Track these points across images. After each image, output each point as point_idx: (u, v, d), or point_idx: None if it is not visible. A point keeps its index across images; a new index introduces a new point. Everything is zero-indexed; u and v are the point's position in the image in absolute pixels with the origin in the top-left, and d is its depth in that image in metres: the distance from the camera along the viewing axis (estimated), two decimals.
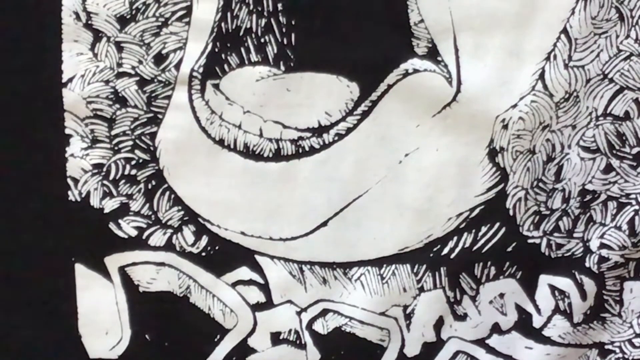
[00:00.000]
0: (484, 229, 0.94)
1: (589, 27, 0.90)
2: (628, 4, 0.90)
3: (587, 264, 0.95)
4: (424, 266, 0.95)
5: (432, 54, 0.91)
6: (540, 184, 0.93)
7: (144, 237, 0.95)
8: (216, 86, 0.92)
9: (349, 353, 0.98)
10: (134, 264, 0.96)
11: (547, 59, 0.90)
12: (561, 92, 0.91)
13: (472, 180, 0.93)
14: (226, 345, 0.98)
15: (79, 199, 0.94)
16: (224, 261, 0.96)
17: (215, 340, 0.98)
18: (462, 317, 0.97)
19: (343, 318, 0.97)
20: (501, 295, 0.96)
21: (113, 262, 0.96)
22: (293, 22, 0.91)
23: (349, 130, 0.92)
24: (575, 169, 0.93)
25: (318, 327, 0.98)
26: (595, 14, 0.90)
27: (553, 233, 0.94)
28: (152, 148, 0.93)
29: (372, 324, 0.97)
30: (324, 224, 0.94)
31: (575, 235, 0.94)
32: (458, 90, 0.91)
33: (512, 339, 0.98)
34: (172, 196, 0.94)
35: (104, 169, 0.94)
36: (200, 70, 0.92)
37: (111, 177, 0.94)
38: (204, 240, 0.95)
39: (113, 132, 0.93)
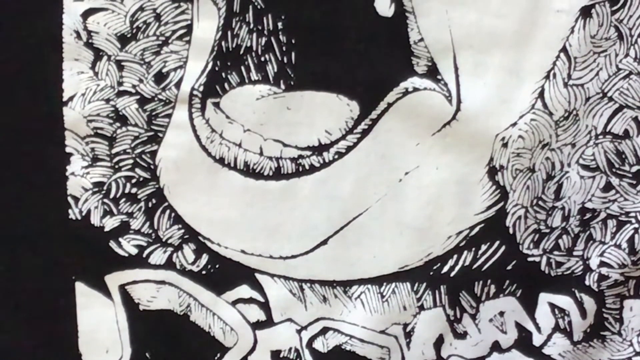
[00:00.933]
0: (483, 247, 0.92)
1: (588, 46, 0.89)
2: (627, 22, 0.88)
3: (587, 282, 0.93)
4: (424, 284, 0.93)
5: (432, 72, 0.89)
6: (540, 202, 0.91)
7: (144, 255, 0.93)
8: (216, 105, 0.91)
9: None
10: (134, 282, 0.94)
11: (547, 77, 0.89)
12: (561, 111, 0.89)
13: (472, 199, 0.91)
14: None
15: (79, 218, 0.92)
16: (224, 279, 0.94)
17: (216, 358, 0.96)
18: (462, 336, 0.95)
19: (343, 336, 0.95)
20: (501, 314, 0.94)
21: (113, 280, 0.94)
22: (293, 41, 0.90)
23: (349, 149, 0.91)
24: (575, 187, 0.91)
25: (318, 345, 0.95)
26: (595, 33, 0.88)
27: (553, 251, 0.92)
28: (152, 166, 0.92)
29: (372, 342, 0.95)
30: (324, 242, 0.92)
31: (575, 253, 0.92)
32: (458, 109, 0.89)
33: (512, 357, 0.96)
34: (173, 214, 0.92)
35: (105, 188, 0.92)
36: (201, 88, 0.90)
37: (112, 196, 0.92)
38: (204, 259, 0.93)
39: (113, 151, 0.91)
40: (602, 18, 0.88)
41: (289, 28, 0.89)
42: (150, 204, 0.92)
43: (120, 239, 0.93)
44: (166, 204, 0.92)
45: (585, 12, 0.88)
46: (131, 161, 0.92)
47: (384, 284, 0.93)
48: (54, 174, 0.91)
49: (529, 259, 0.92)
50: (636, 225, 0.91)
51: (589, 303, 0.93)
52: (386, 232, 0.92)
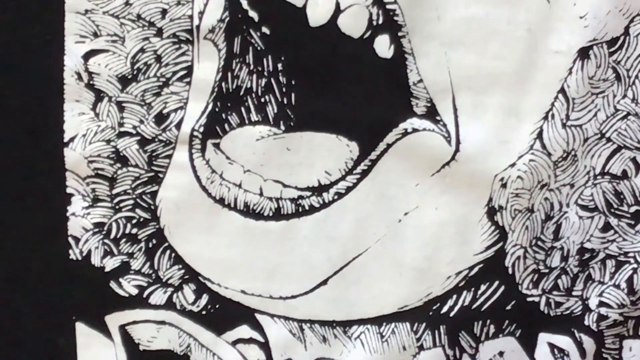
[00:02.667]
0: (483, 287, 0.90)
1: (586, 87, 0.86)
2: (625, 64, 0.86)
3: (586, 322, 0.90)
4: (424, 324, 0.91)
5: (431, 113, 0.87)
6: (539, 243, 0.89)
7: (144, 295, 0.91)
8: (217, 145, 0.88)
9: None
10: (134, 322, 0.91)
11: (545, 118, 0.87)
12: (559, 151, 0.87)
13: (471, 239, 0.89)
14: None
15: (79, 258, 0.90)
16: (224, 320, 0.92)
17: None
18: None
19: None
20: (501, 354, 0.91)
21: (114, 320, 0.91)
22: (293, 82, 0.88)
23: (349, 189, 0.88)
24: (574, 227, 0.89)
25: None
26: (593, 74, 0.86)
27: (552, 291, 0.90)
28: (153, 207, 0.89)
29: None
30: (324, 282, 0.90)
31: (574, 293, 0.90)
32: (457, 150, 0.87)
33: None
34: (173, 255, 0.90)
35: (105, 228, 0.90)
36: (201, 129, 0.88)
37: (112, 236, 0.90)
38: (205, 299, 0.91)
39: (114, 191, 0.89)
40: (600, 59, 0.86)
41: (288, 69, 0.88)
42: (150, 245, 0.90)
43: (120, 279, 0.90)
44: (166, 244, 0.90)
45: (583, 54, 0.86)
46: (132, 202, 0.90)
47: (384, 324, 0.91)
48: (55, 214, 0.90)
49: (528, 299, 0.90)
50: (635, 266, 0.89)
51: (589, 343, 0.91)
52: (386, 272, 0.90)
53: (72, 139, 0.88)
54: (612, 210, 0.88)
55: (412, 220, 0.89)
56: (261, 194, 0.88)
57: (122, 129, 0.88)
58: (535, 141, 0.87)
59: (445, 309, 0.90)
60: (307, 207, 0.88)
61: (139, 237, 0.90)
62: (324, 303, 0.90)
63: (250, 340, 0.92)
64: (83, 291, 0.90)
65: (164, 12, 0.86)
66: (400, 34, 0.85)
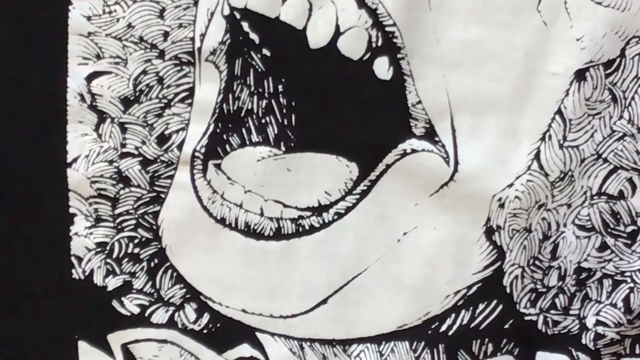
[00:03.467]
0: (481, 306, 0.89)
1: (583, 108, 0.85)
2: (621, 85, 0.85)
3: (583, 341, 0.89)
4: (423, 343, 0.90)
5: (430, 134, 0.86)
6: (537, 262, 0.88)
7: (146, 314, 0.90)
8: (218, 166, 0.88)
9: None
10: (136, 341, 0.91)
11: (542, 139, 0.86)
12: (556, 172, 0.86)
13: (469, 259, 0.88)
14: None
15: (82, 277, 0.89)
16: (225, 338, 0.91)
17: None
18: None
19: None
20: None
21: (116, 339, 0.91)
22: (293, 104, 0.87)
23: (349, 210, 0.88)
24: (571, 247, 0.88)
25: None
26: (589, 96, 0.85)
27: (549, 310, 0.89)
28: (154, 227, 0.89)
29: None
30: (324, 301, 0.89)
31: (571, 312, 0.89)
32: (455, 170, 0.86)
33: None
34: (175, 274, 0.90)
35: (108, 248, 0.89)
36: (202, 150, 0.88)
37: (114, 256, 0.89)
38: (206, 318, 0.90)
39: (116, 211, 0.89)
40: (596, 81, 0.85)
41: (289, 91, 0.87)
42: (152, 264, 0.90)
43: (122, 299, 0.90)
44: (168, 263, 0.90)
45: (580, 76, 0.85)
46: (134, 222, 0.89)
47: (383, 342, 0.91)
48: (58, 234, 0.89)
49: (526, 318, 0.89)
50: (631, 285, 0.88)
51: None
52: (385, 291, 0.89)
53: (75, 160, 0.87)
54: (609, 230, 0.87)
55: (411, 240, 0.88)
56: (262, 214, 0.87)
57: (124, 150, 0.88)
58: (533, 162, 0.86)
59: (443, 327, 0.89)
60: (307, 227, 0.88)
61: (141, 256, 0.89)
62: (324, 322, 0.89)
63: (251, 359, 0.91)
64: (85, 310, 0.90)
65: (165, 35, 0.86)
66: (399, 56, 0.85)
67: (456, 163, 0.86)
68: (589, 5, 0.84)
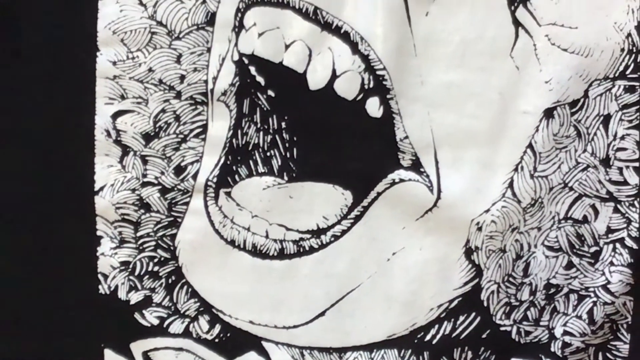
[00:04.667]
0: (461, 318, 0.89)
1: (551, 143, 0.86)
2: (584, 122, 0.86)
3: (552, 349, 0.89)
4: (410, 351, 0.90)
5: (416, 165, 0.87)
6: (511, 279, 0.88)
7: (164, 325, 0.90)
8: (228, 194, 0.88)
9: None
10: (155, 349, 0.91)
11: (516, 170, 0.86)
12: (528, 199, 0.87)
13: (451, 276, 0.88)
14: None
15: (108, 292, 0.89)
16: (234, 346, 0.91)
17: None
18: None
19: None
20: None
21: (138, 347, 0.91)
22: (295, 139, 0.88)
23: (344, 232, 0.88)
24: (541, 265, 0.88)
25: None
26: (557, 131, 0.86)
27: (522, 322, 0.89)
28: (172, 248, 0.89)
29: None
30: (322, 314, 0.89)
31: (541, 323, 0.89)
32: (438, 197, 0.87)
33: None
34: (190, 290, 0.89)
35: (130, 266, 0.89)
36: (215, 180, 0.88)
37: (136, 273, 0.89)
38: (217, 328, 0.90)
39: (138, 234, 0.89)
40: (563, 119, 0.86)
41: (291, 127, 0.88)
42: (170, 281, 0.90)
43: (143, 311, 0.90)
44: (184, 280, 0.89)
45: (548, 114, 0.85)
46: (154, 243, 0.89)
47: (374, 350, 0.90)
48: (86, 254, 0.89)
49: (501, 329, 0.89)
50: (594, 299, 0.88)
51: None
52: (376, 305, 0.89)
53: (101, 188, 0.87)
54: (575, 250, 0.87)
55: (399, 259, 0.88)
56: (267, 237, 0.87)
57: (145, 180, 0.88)
58: (507, 190, 0.86)
59: (428, 337, 0.89)
60: (307, 248, 0.87)
61: (160, 274, 0.89)
62: (322, 332, 0.89)
63: None
64: (111, 321, 0.90)
65: (182, 78, 0.86)
66: (388, 96, 0.85)
67: (439, 191, 0.86)
68: (556, 52, 0.85)
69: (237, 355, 0.91)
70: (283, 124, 0.88)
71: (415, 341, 0.89)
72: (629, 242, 0.87)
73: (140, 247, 0.89)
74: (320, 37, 0.85)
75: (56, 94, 0.87)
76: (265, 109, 0.87)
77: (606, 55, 0.85)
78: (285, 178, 0.88)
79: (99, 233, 0.89)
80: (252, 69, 0.87)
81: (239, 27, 0.86)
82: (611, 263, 0.88)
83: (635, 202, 0.87)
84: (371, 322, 0.89)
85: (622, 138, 0.86)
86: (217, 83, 0.87)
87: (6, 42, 0.87)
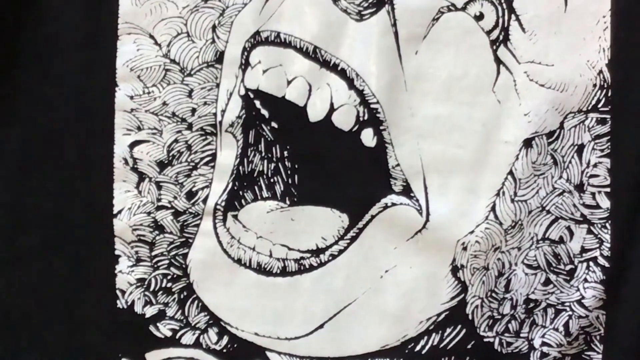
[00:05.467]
0: (448, 330, 0.89)
1: (530, 170, 0.87)
2: (560, 151, 0.88)
3: (531, 359, 0.90)
4: None
5: (406, 191, 0.88)
6: (493, 294, 0.89)
7: (177, 337, 0.90)
8: (235, 217, 0.89)
9: None
10: (169, 358, 0.91)
11: (498, 194, 0.88)
12: (509, 221, 0.88)
13: (439, 291, 0.89)
14: None
15: (125, 307, 0.90)
16: (241, 356, 0.91)
17: None
18: None
19: None
20: None
21: (152, 357, 0.91)
22: (296, 166, 0.89)
23: (341, 252, 0.89)
24: (521, 282, 0.89)
25: None
26: (535, 160, 0.87)
27: (504, 333, 0.90)
28: (184, 266, 0.90)
29: None
30: (321, 326, 0.90)
31: (521, 335, 0.90)
32: (427, 220, 0.88)
33: None
34: (200, 304, 0.90)
35: (146, 283, 0.90)
36: (223, 204, 0.89)
37: (151, 289, 0.90)
38: (225, 339, 0.90)
39: (153, 253, 0.90)
40: (540, 148, 0.87)
41: (293, 156, 0.89)
42: (182, 296, 0.90)
43: (158, 324, 0.90)
44: (195, 295, 0.90)
45: (527, 143, 0.87)
46: (167, 262, 0.89)
47: (369, 359, 0.90)
48: (106, 271, 0.90)
49: (485, 340, 0.90)
50: (570, 313, 0.89)
51: None
52: (370, 318, 0.89)
53: (120, 211, 0.88)
54: (552, 268, 0.88)
55: (391, 276, 0.88)
56: (271, 256, 0.88)
57: (159, 204, 0.88)
58: (490, 213, 0.87)
59: (418, 347, 0.89)
60: (307, 266, 0.88)
61: (173, 290, 0.89)
62: (321, 343, 0.89)
63: None
64: (128, 333, 0.90)
65: (193, 111, 0.88)
66: (381, 127, 0.86)
67: (428, 214, 0.87)
68: (534, 87, 0.86)
69: None
70: (285, 153, 0.88)
71: (406, 351, 0.89)
72: (601, 261, 0.88)
73: (155, 265, 0.89)
74: (319, 73, 0.86)
75: (79, 126, 0.88)
76: (269, 139, 0.89)
77: (580, 90, 0.86)
78: (287, 202, 0.89)
79: (117, 252, 0.89)
80: (257, 103, 0.88)
81: (245, 65, 0.87)
82: (585, 280, 0.88)
83: (607, 224, 0.88)
84: (366, 334, 0.89)
85: (595, 166, 0.87)
86: (225, 115, 0.88)
87: (35, 80, 0.88)
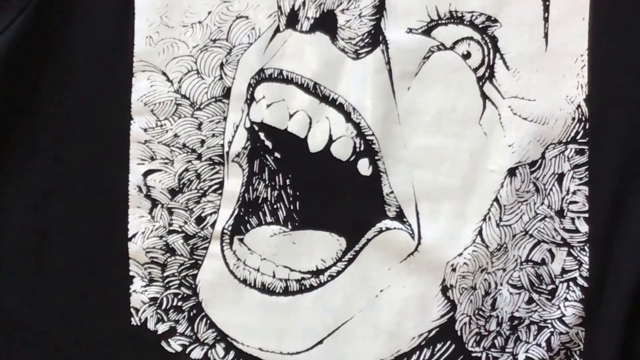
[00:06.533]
0: (439, 346, 0.90)
1: (514, 197, 0.88)
2: (542, 180, 0.88)
3: None
4: None
5: (400, 216, 0.88)
6: (480, 312, 0.90)
7: (187, 352, 0.91)
8: (241, 240, 0.90)
9: None
10: None
11: (484, 220, 0.88)
12: (494, 244, 0.89)
13: (430, 309, 0.89)
14: None
15: (139, 324, 0.91)
16: None
17: None
18: None
19: None
20: None
21: None
22: (297, 194, 0.90)
23: (339, 273, 0.89)
24: (506, 300, 0.89)
25: None
26: (519, 187, 0.88)
27: (490, 349, 0.90)
28: (193, 286, 0.90)
29: None
30: (321, 342, 0.90)
31: (507, 350, 0.90)
32: (419, 243, 0.88)
33: None
34: (208, 321, 0.90)
35: (158, 301, 0.91)
36: (230, 228, 0.90)
37: (163, 307, 0.91)
38: (232, 354, 0.91)
39: (165, 274, 0.91)
40: (524, 176, 0.88)
41: (294, 184, 0.89)
42: (192, 314, 0.90)
43: (169, 340, 0.91)
44: (204, 313, 0.90)
45: (512, 172, 0.88)
46: (178, 282, 0.90)
47: None
48: (121, 291, 0.90)
49: (473, 355, 0.90)
50: (552, 329, 0.89)
51: None
52: (366, 334, 0.89)
53: (134, 235, 0.89)
54: (534, 288, 0.88)
55: (385, 295, 0.89)
56: (274, 276, 0.89)
57: (171, 228, 0.90)
58: (477, 237, 0.88)
59: None
60: (308, 286, 0.89)
61: (183, 308, 0.90)
62: (320, 357, 0.90)
63: None
64: (141, 348, 0.90)
65: (202, 142, 0.89)
66: (376, 157, 0.87)
67: (419, 238, 0.88)
68: (518, 121, 0.87)
69: None
70: (287, 181, 0.89)
71: None
72: (580, 281, 0.88)
73: (167, 285, 0.90)
74: (319, 108, 0.87)
75: (96, 156, 0.89)
76: (272, 168, 0.90)
77: (560, 123, 0.87)
78: (290, 227, 0.89)
79: (131, 273, 0.90)
80: (262, 135, 0.89)
81: (250, 100, 0.89)
82: (565, 299, 0.89)
83: (586, 247, 0.88)
84: (362, 349, 0.89)
85: (574, 193, 0.88)
86: (232, 146, 0.89)
87: (57, 113, 0.90)
